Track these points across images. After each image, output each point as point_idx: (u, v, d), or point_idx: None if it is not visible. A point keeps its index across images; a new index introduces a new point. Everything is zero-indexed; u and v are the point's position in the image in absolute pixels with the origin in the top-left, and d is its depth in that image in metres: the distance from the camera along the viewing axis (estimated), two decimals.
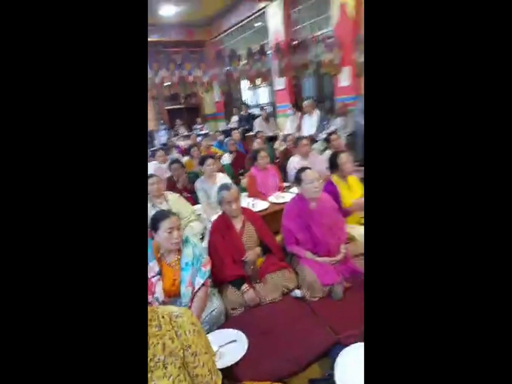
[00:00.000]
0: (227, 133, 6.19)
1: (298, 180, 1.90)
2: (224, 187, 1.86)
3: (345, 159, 2.14)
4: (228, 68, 5.48)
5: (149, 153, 5.14)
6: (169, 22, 6.32)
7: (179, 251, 1.58)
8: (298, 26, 5.45)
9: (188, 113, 8.00)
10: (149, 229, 1.54)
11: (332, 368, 1.13)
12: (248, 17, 6.25)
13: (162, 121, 6.93)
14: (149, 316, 0.87)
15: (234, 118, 6.98)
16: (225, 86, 5.48)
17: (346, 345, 1.20)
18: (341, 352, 1.04)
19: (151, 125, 7.90)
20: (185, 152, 5.43)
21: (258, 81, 5.93)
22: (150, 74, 4.64)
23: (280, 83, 5.69)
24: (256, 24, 6.41)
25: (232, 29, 7.02)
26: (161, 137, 6.86)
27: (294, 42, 5.39)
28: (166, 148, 4.44)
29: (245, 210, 1.99)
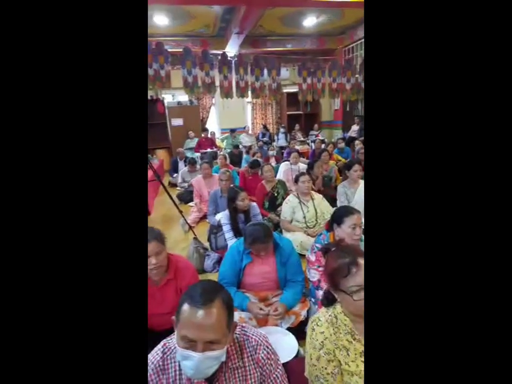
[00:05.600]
0: (348, 141, 6.12)
1: None
2: None
3: None
4: (357, 76, 5.40)
5: (272, 153, 5.50)
6: (306, 33, 6.64)
7: None
8: None
9: (305, 119, 8.23)
10: (327, 220, 1.63)
11: None
12: None
13: (283, 125, 7.29)
14: None
15: (354, 128, 6.83)
16: (352, 95, 5.39)
17: None
18: None
19: (272, 128, 8.46)
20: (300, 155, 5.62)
21: None
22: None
23: None
24: None
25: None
26: (279, 140, 7.25)
27: None
28: (292, 150, 4.66)
29: None
